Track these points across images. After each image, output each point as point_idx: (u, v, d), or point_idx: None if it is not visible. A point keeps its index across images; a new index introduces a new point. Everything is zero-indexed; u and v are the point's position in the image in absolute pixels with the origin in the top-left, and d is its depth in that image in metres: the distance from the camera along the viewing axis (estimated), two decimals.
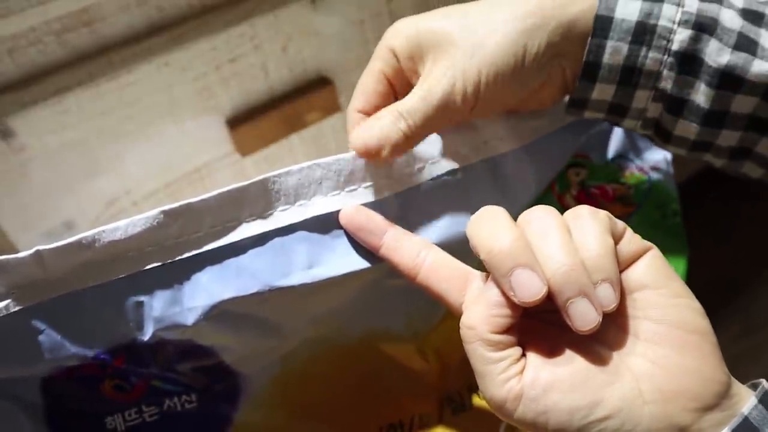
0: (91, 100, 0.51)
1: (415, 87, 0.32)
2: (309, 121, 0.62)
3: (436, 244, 0.33)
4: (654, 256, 0.26)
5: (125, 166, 0.55)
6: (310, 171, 0.32)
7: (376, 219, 0.30)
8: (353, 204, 0.31)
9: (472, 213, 0.31)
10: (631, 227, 0.39)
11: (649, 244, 0.26)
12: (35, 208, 0.52)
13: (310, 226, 0.31)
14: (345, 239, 0.32)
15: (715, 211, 1.06)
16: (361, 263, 0.32)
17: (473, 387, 0.39)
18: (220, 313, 0.31)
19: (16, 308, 0.29)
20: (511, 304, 0.25)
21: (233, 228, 0.31)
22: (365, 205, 0.32)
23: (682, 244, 0.39)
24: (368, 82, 0.35)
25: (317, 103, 0.61)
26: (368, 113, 0.34)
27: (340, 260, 0.32)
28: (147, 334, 0.31)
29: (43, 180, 0.52)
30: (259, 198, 0.31)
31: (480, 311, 0.25)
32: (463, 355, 0.39)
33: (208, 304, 0.30)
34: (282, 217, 0.31)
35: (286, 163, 0.63)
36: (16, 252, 0.29)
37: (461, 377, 0.39)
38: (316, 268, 0.31)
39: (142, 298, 0.30)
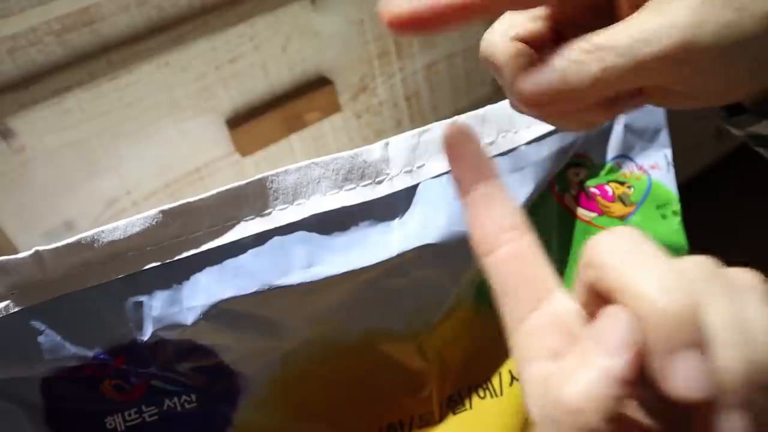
0: (91, 100, 0.51)
1: (635, 14, 0.22)
2: (309, 121, 0.62)
3: (434, 244, 0.33)
4: None
5: (125, 166, 0.55)
6: (308, 170, 0.32)
7: (484, 161, 0.21)
8: (466, 124, 0.22)
9: None
10: (632, 225, 0.39)
11: None
12: (35, 208, 0.52)
13: (308, 225, 0.31)
14: (344, 238, 0.32)
15: (716, 211, 1.06)
16: (360, 262, 0.32)
17: (473, 387, 0.39)
18: (219, 313, 0.31)
19: (16, 309, 0.29)
20: (641, 379, 0.17)
21: (232, 227, 0.31)
22: (366, 204, 0.32)
23: (682, 244, 0.39)
24: None
25: (317, 103, 0.61)
26: (531, 44, 0.24)
27: (339, 259, 0.32)
28: (147, 334, 0.31)
29: (44, 180, 0.52)
30: (257, 197, 0.31)
31: (593, 385, 0.16)
32: (463, 355, 0.39)
33: (207, 303, 0.30)
34: (281, 216, 0.31)
35: (286, 163, 0.63)
36: (16, 252, 0.29)
37: (462, 377, 0.38)
38: (315, 267, 0.31)
39: (141, 298, 0.30)
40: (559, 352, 0.18)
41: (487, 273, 0.21)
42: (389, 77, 0.66)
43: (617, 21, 0.22)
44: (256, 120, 0.59)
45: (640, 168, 0.40)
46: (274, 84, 0.59)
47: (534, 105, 0.23)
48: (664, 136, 0.41)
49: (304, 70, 0.60)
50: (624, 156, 0.40)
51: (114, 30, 0.50)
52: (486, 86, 0.73)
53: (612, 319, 0.17)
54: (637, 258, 0.18)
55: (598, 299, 0.18)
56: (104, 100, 0.51)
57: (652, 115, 0.40)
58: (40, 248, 0.28)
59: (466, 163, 0.21)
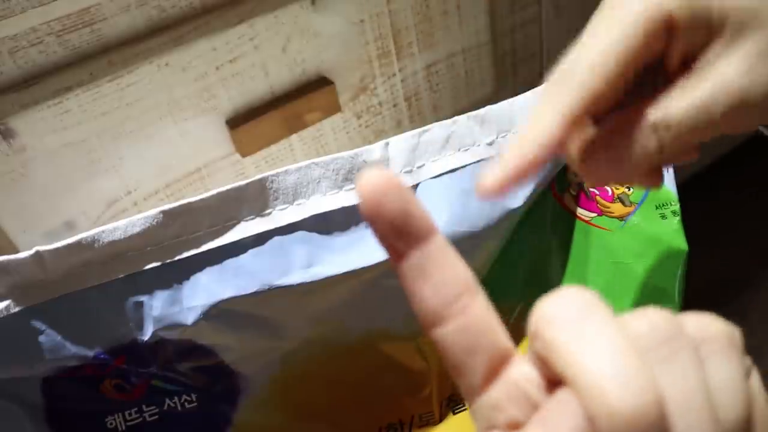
0: (91, 101, 0.51)
1: (685, 80, 0.22)
2: (309, 121, 0.62)
3: None
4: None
5: (126, 166, 0.55)
6: (308, 170, 0.32)
7: (417, 214, 0.17)
8: (383, 173, 0.16)
9: (471, 212, 0.31)
10: (631, 227, 0.39)
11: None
12: (36, 209, 0.52)
13: (308, 225, 0.32)
14: (344, 238, 0.32)
15: (716, 210, 1.06)
16: (360, 262, 0.32)
17: None
18: (219, 313, 0.31)
19: (17, 309, 0.29)
20: None
21: (232, 227, 0.31)
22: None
23: (682, 243, 0.39)
24: (605, 68, 0.21)
25: (317, 103, 0.61)
26: (596, 114, 0.23)
27: (339, 259, 0.32)
28: (147, 334, 0.31)
29: (44, 180, 0.52)
30: (257, 197, 0.31)
31: None
32: None
33: (207, 303, 0.30)
34: (281, 216, 0.31)
35: (286, 163, 0.63)
36: (17, 252, 0.29)
37: None
38: (315, 266, 0.31)
39: (141, 298, 0.30)
40: (519, 422, 0.17)
41: (436, 345, 0.18)
42: (389, 77, 0.66)
43: (668, 77, 0.22)
44: (256, 120, 0.59)
45: None
46: (274, 84, 0.59)
47: (599, 183, 0.24)
48: None
49: (304, 70, 0.60)
50: None
51: (114, 30, 0.50)
52: (486, 86, 0.73)
53: (560, 408, 0.15)
54: (586, 331, 0.15)
55: (551, 368, 0.16)
56: (105, 101, 0.51)
57: None
58: (41, 248, 0.28)
59: (391, 220, 0.17)
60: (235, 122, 0.58)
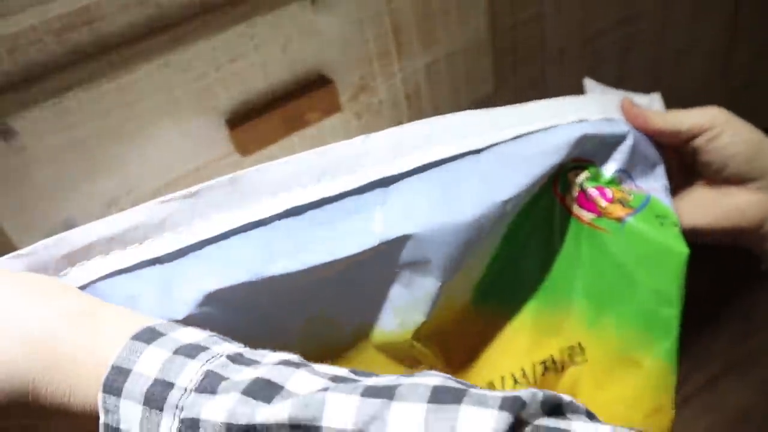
0: (91, 100, 0.51)
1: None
2: (309, 120, 0.62)
3: (417, 234, 0.33)
4: None
5: (126, 166, 0.55)
6: (289, 165, 0.33)
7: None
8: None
9: (456, 203, 0.31)
10: (631, 229, 0.39)
11: None
12: (36, 208, 0.52)
13: (292, 216, 0.32)
14: (329, 226, 0.33)
15: None
16: (343, 251, 0.32)
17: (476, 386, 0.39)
18: (209, 306, 0.31)
19: None
20: None
21: (218, 220, 0.31)
22: (347, 193, 0.33)
23: (682, 244, 0.39)
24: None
25: (317, 102, 0.61)
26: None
27: (325, 246, 0.32)
28: None
29: (44, 180, 0.52)
30: (243, 191, 0.32)
31: None
32: (465, 357, 0.39)
33: (197, 296, 0.30)
34: (264, 208, 0.32)
35: None
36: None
37: (464, 375, 0.39)
38: (302, 254, 0.32)
39: (131, 294, 0.30)
40: None
41: None
42: (389, 76, 0.66)
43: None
44: (256, 120, 0.59)
45: (639, 188, 0.41)
46: (274, 84, 0.59)
47: None
48: (660, 171, 0.41)
49: (304, 69, 0.60)
50: (625, 172, 0.40)
51: (114, 29, 0.50)
52: (486, 84, 0.73)
53: None
54: None
55: None
56: (104, 100, 0.51)
57: (651, 148, 0.41)
58: (22, 252, 0.29)
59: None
60: (235, 122, 0.58)
